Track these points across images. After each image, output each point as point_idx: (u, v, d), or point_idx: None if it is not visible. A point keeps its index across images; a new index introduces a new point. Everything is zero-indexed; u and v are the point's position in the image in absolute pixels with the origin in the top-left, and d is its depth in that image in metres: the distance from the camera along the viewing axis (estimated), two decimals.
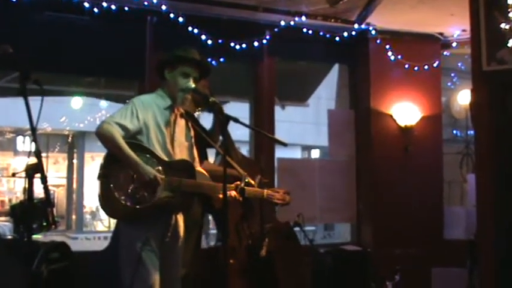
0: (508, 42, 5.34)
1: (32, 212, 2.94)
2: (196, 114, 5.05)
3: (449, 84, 9.30)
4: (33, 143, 2.94)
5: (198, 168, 4.22)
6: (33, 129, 2.91)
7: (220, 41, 6.82)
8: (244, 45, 7.01)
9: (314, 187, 7.65)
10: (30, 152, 2.92)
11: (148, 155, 3.91)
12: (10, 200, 20.60)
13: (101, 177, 3.82)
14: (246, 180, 4.36)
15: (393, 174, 7.59)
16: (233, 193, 4.20)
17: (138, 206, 3.82)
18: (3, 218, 15.37)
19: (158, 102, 4.09)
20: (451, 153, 8.70)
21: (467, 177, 8.29)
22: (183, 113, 4.23)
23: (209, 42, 6.75)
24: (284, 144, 4.25)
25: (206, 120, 5.41)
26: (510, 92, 5.45)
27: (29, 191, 2.89)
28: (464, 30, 7.48)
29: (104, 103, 9.65)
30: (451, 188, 8.60)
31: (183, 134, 4.18)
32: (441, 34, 7.89)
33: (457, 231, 7.66)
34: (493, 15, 5.37)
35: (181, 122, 4.19)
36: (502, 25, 5.37)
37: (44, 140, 19.32)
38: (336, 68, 8.93)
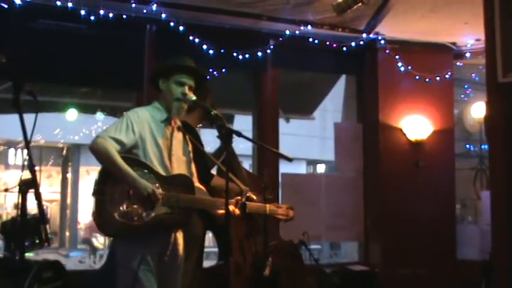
0: None
1: (24, 228, 2.93)
2: (197, 127, 5.05)
3: (462, 96, 9.29)
4: (26, 157, 2.93)
5: (197, 183, 4.21)
6: (27, 143, 2.91)
7: (222, 50, 6.84)
8: (247, 55, 7.02)
9: (320, 204, 7.64)
10: (23, 166, 2.92)
11: (145, 170, 3.89)
12: (0, 216, 20.59)
13: (95, 193, 3.80)
14: (247, 195, 4.35)
15: (403, 190, 7.57)
16: (232, 208, 4.18)
17: (134, 223, 3.80)
18: None
19: (154, 115, 4.08)
20: (464, 168, 8.68)
21: (481, 195, 8.27)
22: (180, 126, 4.23)
23: (211, 52, 6.77)
24: (289, 159, 4.24)
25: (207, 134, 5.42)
26: None
27: (22, 207, 2.88)
28: (478, 40, 7.49)
29: (100, 115, 9.65)
30: (464, 206, 8.58)
31: (180, 148, 4.17)
32: (454, 44, 7.90)
33: (470, 251, 7.63)
34: (509, 24, 5.35)
35: (178, 136, 4.18)
36: None
37: (37, 152, 19.32)
38: (343, 79, 8.93)
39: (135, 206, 3.81)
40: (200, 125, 5.08)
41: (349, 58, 7.79)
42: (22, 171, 2.91)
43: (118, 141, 3.84)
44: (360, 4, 6.25)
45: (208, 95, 4.83)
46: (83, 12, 6.25)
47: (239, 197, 4.27)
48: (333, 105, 13.05)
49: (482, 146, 9.27)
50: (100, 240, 20.53)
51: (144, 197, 3.78)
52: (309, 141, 20.62)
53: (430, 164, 7.70)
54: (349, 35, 7.46)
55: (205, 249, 5.13)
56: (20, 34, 6.10)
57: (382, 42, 7.64)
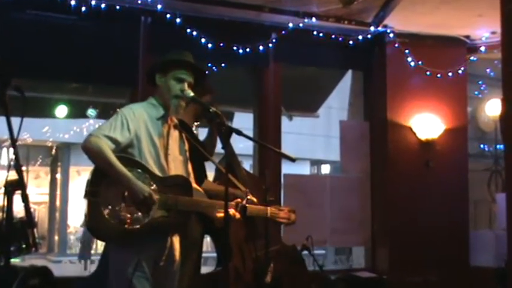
0: None
1: (10, 233, 2.92)
2: (194, 126, 5.04)
3: (476, 93, 9.29)
4: (13, 156, 2.92)
5: (194, 185, 4.20)
6: (14, 141, 2.90)
7: (221, 44, 6.83)
8: (248, 49, 7.02)
9: (324, 206, 7.63)
10: (9, 166, 2.91)
11: (140, 170, 3.88)
12: None
13: (88, 195, 3.79)
14: (248, 197, 4.34)
15: (412, 192, 7.57)
16: (232, 211, 4.18)
17: (129, 227, 3.80)
18: None
19: (150, 112, 4.08)
20: (478, 170, 8.68)
21: (496, 197, 8.26)
22: (177, 124, 4.22)
23: (209, 45, 6.76)
24: (292, 160, 4.23)
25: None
26: None
27: (7, 209, 2.87)
28: (493, 33, 7.48)
29: (91, 112, 9.67)
30: (477, 209, 8.57)
31: (177, 147, 4.16)
32: (467, 37, 7.89)
33: (484, 257, 7.62)
34: None
35: (174, 134, 4.17)
36: None
37: (24, 152, 19.31)
38: (349, 74, 8.94)
39: (130, 209, 3.80)
40: (196, 123, 5.07)
41: (356, 52, 7.79)
42: (8, 171, 2.90)
43: (112, 140, 3.83)
44: None
45: (208, 93, 4.84)
46: (73, 2, 6.24)
47: (239, 200, 4.27)
48: (338, 102, 13.06)
49: (498, 146, 9.26)
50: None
51: (139, 200, 3.77)
52: (313, 141, 20.65)
53: (441, 164, 7.69)
54: (355, 27, 7.45)
55: (203, 254, 5.11)
56: (6, 26, 6.09)
57: (391, 35, 7.62)
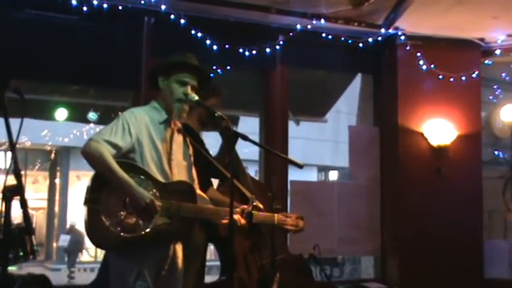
0: None
1: (7, 239, 2.91)
2: (200, 131, 5.04)
3: (490, 97, 9.25)
4: (11, 161, 2.92)
5: (198, 191, 4.20)
6: (13, 145, 2.90)
7: (227, 46, 6.82)
8: (254, 52, 7.00)
9: (332, 214, 7.61)
10: (7, 170, 2.91)
11: (142, 176, 3.88)
12: None
13: (88, 202, 3.79)
14: (254, 203, 4.34)
15: (424, 200, 7.54)
16: (237, 217, 4.17)
17: (130, 235, 3.79)
18: None
19: (152, 116, 4.08)
20: (492, 177, 8.64)
21: (511, 206, 8.23)
22: (181, 128, 4.22)
23: (214, 47, 6.75)
24: (299, 166, 4.22)
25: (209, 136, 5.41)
26: None
27: (5, 215, 2.86)
28: (509, 35, 7.46)
29: (92, 116, 9.68)
30: (492, 219, 8.52)
31: (180, 152, 4.17)
32: (482, 40, 7.86)
33: (499, 269, 7.59)
34: None
35: (178, 138, 4.18)
36: None
37: (22, 156, 19.36)
38: (358, 78, 8.92)
39: (132, 217, 3.80)
40: (202, 129, 5.06)
41: (366, 55, 7.78)
42: (6, 176, 2.90)
43: (113, 145, 3.83)
44: None
45: (214, 95, 4.83)
46: (74, 1, 6.24)
47: (245, 206, 4.27)
48: (347, 106, 13.07)
49: None
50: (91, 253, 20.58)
51: (141, 207, 3.77)
52: (321, 146, 20.69)
53: (454, 172, 7.66)
54: (365, 30, 7.44)
55: (207, 263, 5.11)
56: (4, 25, 6.09)
57: (402, 38, 7.60)
